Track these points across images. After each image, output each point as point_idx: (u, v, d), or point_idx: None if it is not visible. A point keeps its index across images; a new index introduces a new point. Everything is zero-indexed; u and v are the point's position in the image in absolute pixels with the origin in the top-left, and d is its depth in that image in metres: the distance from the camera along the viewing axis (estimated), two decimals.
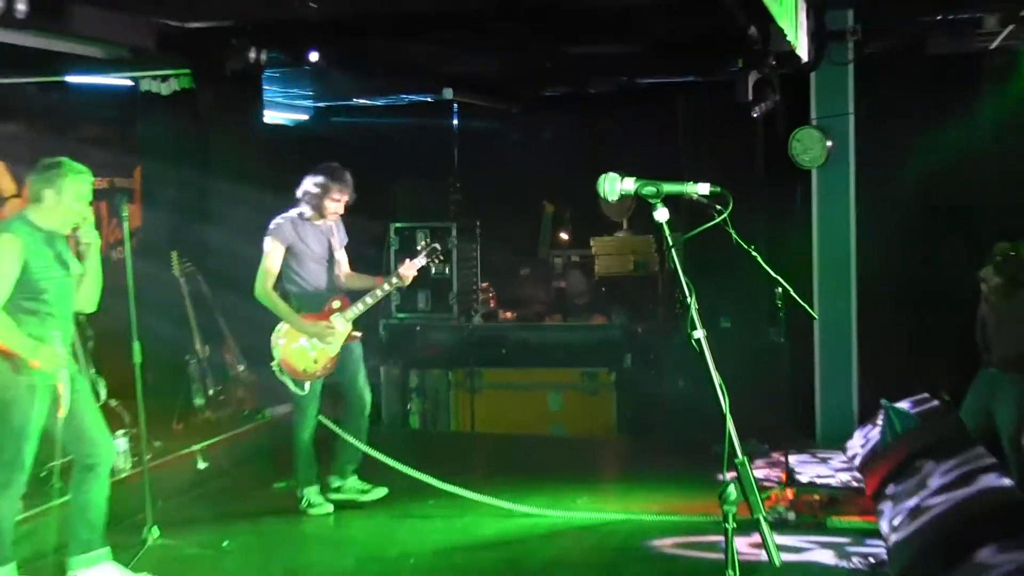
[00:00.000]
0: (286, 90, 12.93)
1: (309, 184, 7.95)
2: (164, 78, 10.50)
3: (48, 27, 8.25)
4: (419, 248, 8.18)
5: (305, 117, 14.27)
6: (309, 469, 8.17)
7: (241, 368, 10.14)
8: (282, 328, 7.83)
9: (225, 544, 7.34)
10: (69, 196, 6.23)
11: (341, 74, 11.48)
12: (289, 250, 7.88)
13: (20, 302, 6.06)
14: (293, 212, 7.95)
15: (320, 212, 7.94)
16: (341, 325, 7.93)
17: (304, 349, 7.85)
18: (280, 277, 7.87)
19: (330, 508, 8.12)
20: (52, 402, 6.18)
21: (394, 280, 8.01)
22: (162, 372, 9.42)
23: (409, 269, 7.97)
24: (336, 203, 7.98)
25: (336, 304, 7.96)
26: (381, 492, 8.32)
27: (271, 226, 7.92)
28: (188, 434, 9.32)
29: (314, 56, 10.42)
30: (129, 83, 10.70)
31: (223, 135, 10.75)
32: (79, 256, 6.46)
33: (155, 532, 7.13)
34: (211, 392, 9.82)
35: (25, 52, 8.91)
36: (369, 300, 8.00)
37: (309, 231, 7.96)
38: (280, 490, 8.79)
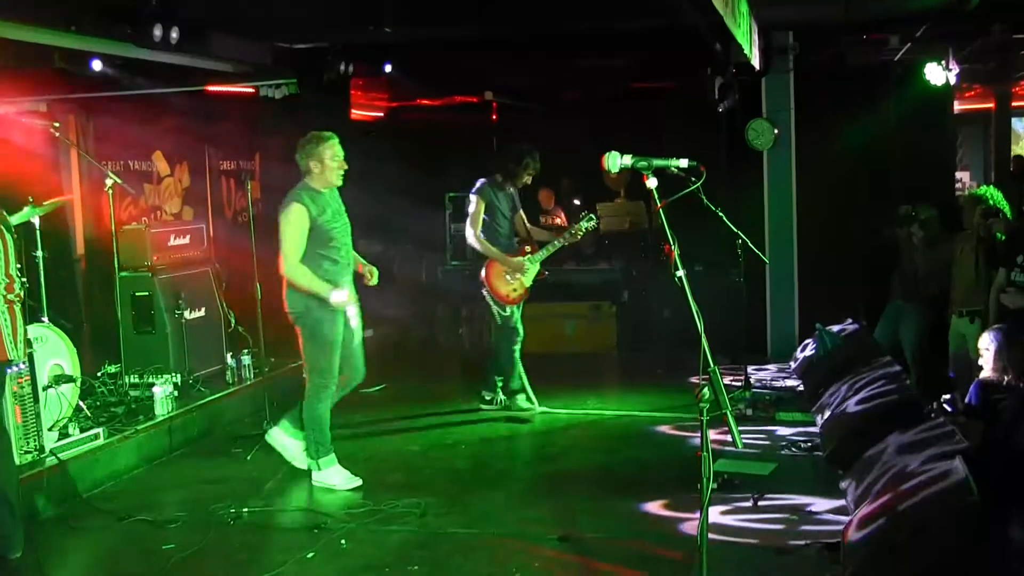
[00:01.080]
0: (368, 93, 12.86)
1: (513, 159, 7.71)
2: (277, 86, 10.43)
3: (193, 50, 8.21)
4: (582, 217, 7.72)
5: (381, 114, 14.18)
6: (518, 378, 8.00)
7: None
8: (491, 264, 7.71)
9: None
10: (327, 158, 6.04)
11: (409, 81, 11.39)
12: (487, 207, 7.73)
13: (317, 251, 5.96)
14: (489, 179, 7.80)
15: (515, 181, 7.77)
16: (531, 265, 7.79)
17: (507, 280, 7.73)
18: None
19: (538, 408, 7.97)
20: (345, 324, 6.11)
21: (567, 236, 7.76)
22: (275, 306, 9.40)
23: (577, 233, 7.67)
24: (530, 176, 7.80)
25: (527, 248, 7.84)
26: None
27: (474, 189, 7.78)
28: (294, 353, 9.29)
29: (388, 68, 10.36)
30: (251, 90, 10.64)
31: (321, 128, 10.67)
32: None
33: (272, 426, 7.14)
34: None
35: (176, 68, 8.89)
36: (550, 248, 7.82)
37: (501, 193, 7.77)
38: (364, 394, 8.78)
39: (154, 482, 6.45)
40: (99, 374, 7.52)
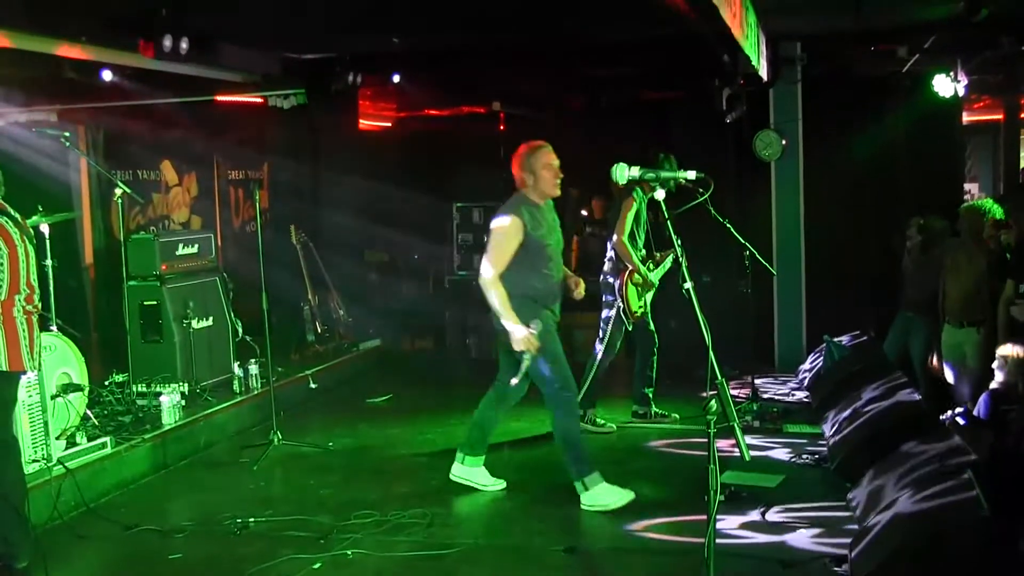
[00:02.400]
0: (376, 103, 12.89)
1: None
2: (286, 96, 10.47)
3: (203, 60, 8.24)
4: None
5: (389, 124, 14.21)
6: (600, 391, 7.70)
7: (341, 312, 10.15)
8: (628, 275, 7.35)
9: (330, 445, 7.36)
10: (540, 167, 5.81)
11: (416, 91, 11.42)
12: (636, 214, 7.39)
13: (529, 267, 5.75)
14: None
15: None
16: (655, 281, 7.56)
17: (637, 295, 7.48)
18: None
19: (613, 427, 7.66)
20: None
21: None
22: (283, 316, 9.45)
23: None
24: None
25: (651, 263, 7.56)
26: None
27: (628, 190, 7.31)
28: (302, 362, 9.36)
29: (396, 78, 10.39)
30: (260, 100, 10.68)
31: (328, 138, 10.75)
32: None
33: (279, 435, 7.16)
34: (319, 331, 9.84)
35: (185, 79, 8.93)
36: (665, 265, 7.59)
37: (646, 201, 7.42)
38: (371, 404, 8.80)
39: (161, 491, 6.46)
40: (107, 383, 7.53)
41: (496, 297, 5.69)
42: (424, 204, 11.77)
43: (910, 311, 7.89)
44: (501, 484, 6.22)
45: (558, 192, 5.93)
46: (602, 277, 7.69)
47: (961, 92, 9.92)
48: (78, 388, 6.39)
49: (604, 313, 7.65)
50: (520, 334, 5.64)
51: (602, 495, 5.77)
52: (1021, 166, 14.21)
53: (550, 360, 5.80)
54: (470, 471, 6.24)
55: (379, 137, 13.55)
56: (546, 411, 7.29)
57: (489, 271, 5.72)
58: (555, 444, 6.03)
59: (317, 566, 5.03)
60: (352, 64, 9.72)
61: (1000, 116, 14.50)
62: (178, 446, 7.02)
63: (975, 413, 5.52)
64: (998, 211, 6.86)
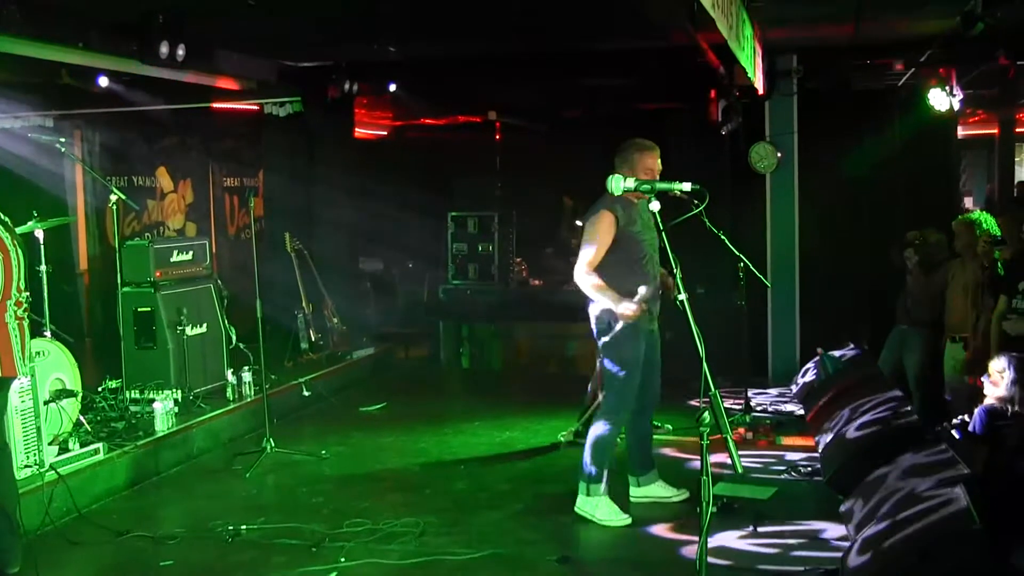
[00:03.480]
0: (372, 112, 12.92)
1: None
2: (282, 104, 10.50)
3: (199, 67, 8.26)
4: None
5: (385, 133, 14.24)
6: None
7: (335, 321, 10.14)
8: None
9: (323, 453, 7.35)
10: (640, 168, 5.63)
11: (413, 100, 11.44)
12: None
13: (623, 264, 5.58)
14: None
15: None
16: None
17: None
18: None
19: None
20: (650, 346, 5.76)
21: None
22: (277, 323, 9.45)
23: None
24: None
25: None
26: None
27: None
28: (296, 370, 9.34)
29: (392, 87, 10.41)
30: (255, 107, 10.70)
31: (324, 146, 10.75)
32: None
33: (272, 443, 7.16)
34: (313, 339, 9.83)
35: (182, 85, 8.95)
36: None
37: None
38: (365, 413, 8.80)
39: (153, 498, 6.45)
40: (100, 389, 7.53)
41: (592, 285, 5.53)
42: (419, 213, 11.81)
43: (904, 324, 7.91)
44: (684, 494, 6.06)
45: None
46: None
47: (956, 106, 9.96)
48: (71, 394, 6.39)
49: None
50: (627, 309, 5.41)
51: (598, 506, 5.72)
52: (1016, 180, 14.28)
53: (618, 365, 5.67)
54: (647, 490, 6.11)
55: (375, 145, 13.60)
56: (546, 419, 7.33)
57: (581, 267, 5.58)
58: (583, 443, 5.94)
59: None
60: (348, 72, 9.75)
61: (995, 130, 14.59)
62: (171, 453, 7.02)
63: (970, 428, 5.53)
64: (992, 224, 6.88)
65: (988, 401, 5.52)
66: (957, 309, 7.00)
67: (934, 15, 7.99)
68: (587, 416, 7.50)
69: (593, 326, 5.77)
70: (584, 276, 5.59)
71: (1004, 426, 5.34)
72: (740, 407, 8.17)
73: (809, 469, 6.66)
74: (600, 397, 7.35)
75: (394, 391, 9.46)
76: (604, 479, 5.75)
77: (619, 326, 5.55)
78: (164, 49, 7.23)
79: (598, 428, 5.78)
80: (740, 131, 9.87)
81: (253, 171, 11.57)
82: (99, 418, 7.13)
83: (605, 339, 5.68)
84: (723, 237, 7.20)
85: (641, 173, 5.59)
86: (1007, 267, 6.45)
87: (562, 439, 7.56)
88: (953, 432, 5.67)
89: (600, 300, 5.58)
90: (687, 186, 3.90)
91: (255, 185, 11.45)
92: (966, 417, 5.70)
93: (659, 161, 5.76)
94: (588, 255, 5.61)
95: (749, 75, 7.81)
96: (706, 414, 3.38)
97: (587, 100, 12.08)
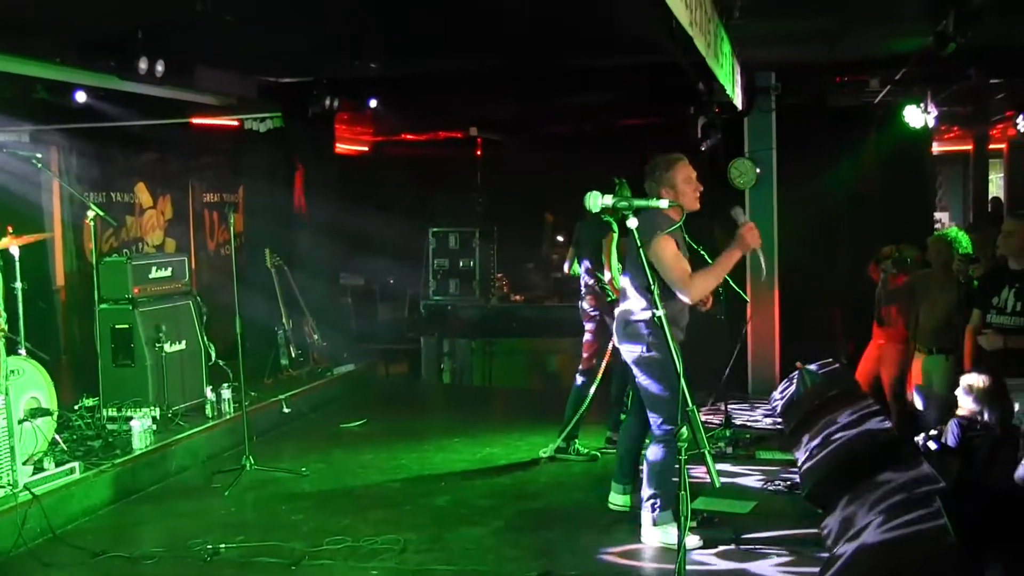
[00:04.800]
0: (352, 128, 12.93)
1: None
2: (262, 119, 10.51)
3: (178, 82, 8.24)
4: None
5: (366, 148, 14.25)
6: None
7: (316, 337, 10.12)
8: None
9: (303, 470, 7.32)
10: (680, 181, 5.48)
11: (393, 116, 11.46)
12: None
13: (666, 286, 5.29)
14: None
15: None
16: None
17: None
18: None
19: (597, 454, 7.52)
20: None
21: None
22: (257, 340, 9.41)
23: None
24: None
25: None
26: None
27: (611, 231, 7.27)
28: (276, 386, 9.31)
29: (373, 103, 10.43)
30: (236, 123, 10.69)
31: (305, 162, 10.75)
32: None
33: (251, 460, 7.12)
34: (293, 355, 9.80)
35: (161, 101, 8.93)
36: None
37: None
38: (345, 429, 8.77)
39: (130, 518, 6.40)
40: (76, 407, 7.47)
41: (705, 280, 5.31)
42: (400, 229, 11.82)
43: (882, 339, 7.96)
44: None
45: (698, 205, 5.56)
46: (580, 304, 7.73)
47: (931, 123, 10.08)
48: (47, 413, 6.33)
49: (586, 337, 7.66)
50: (750, 232, 5.31)
51: (670, 535, 5.42)
52: (990, 196, 14.42)
53: (666, 386, 5.37)
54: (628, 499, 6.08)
55: (356, 161, 13.60)
56: (527, 435, 7.31)
57: (687, 287, 5.29)
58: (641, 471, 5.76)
59: None
60: (329, 88, 9.76)
61: (969, 146, 14.71)
62: (148, 471, 6.97)
63: (944, 440, 5.57)
64: (965, 240, 6.96)
65: (960, 413, 5.57)
66: (927, 322, 7.06)
67: (909, 34, 8.10)
68: (567, 430, 7.52)
69: (628, 348, 5.52)
70: (692, 287, 5.30)
71: (975, 438, 5.38)
72: (720, 421, 8.20)
73: (788, 483, 6.68)
74: (576, 416, 7.43)
75: (375, 407, 9.44)
76: (670, 506, 5.46)
77: (658, 348, 5.29)
78: (143, 65, 7.22)
79: (655, 454, 5.50)
80: (720, 147, 9.93)
81: (233, 187, 11.55)
82: (75, 437, 7.07)
83: (647, 363, 5.43)
84: (703, 252, 7.24)
85: (685, 186, 5.49)
86: (981, 282, 6.51)
87: (543, 455, 7.57)
88: (929, 444, 5.71)
89: (725, 268, 5.32)
90: (664, 203, 3.92)
91: (235, 201, 11.42)
92: (941, 428, 5.74)
93: (691, 168, 5.59)
94: (681, 272, 5.31)
95: (728, 92, 7.88)
96: (684, 429, 3.39)
97: (568, 116, 12.13)
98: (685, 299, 5.35)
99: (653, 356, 5.40)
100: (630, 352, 5.53)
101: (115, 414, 7.45)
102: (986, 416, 5.42)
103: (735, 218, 5.45)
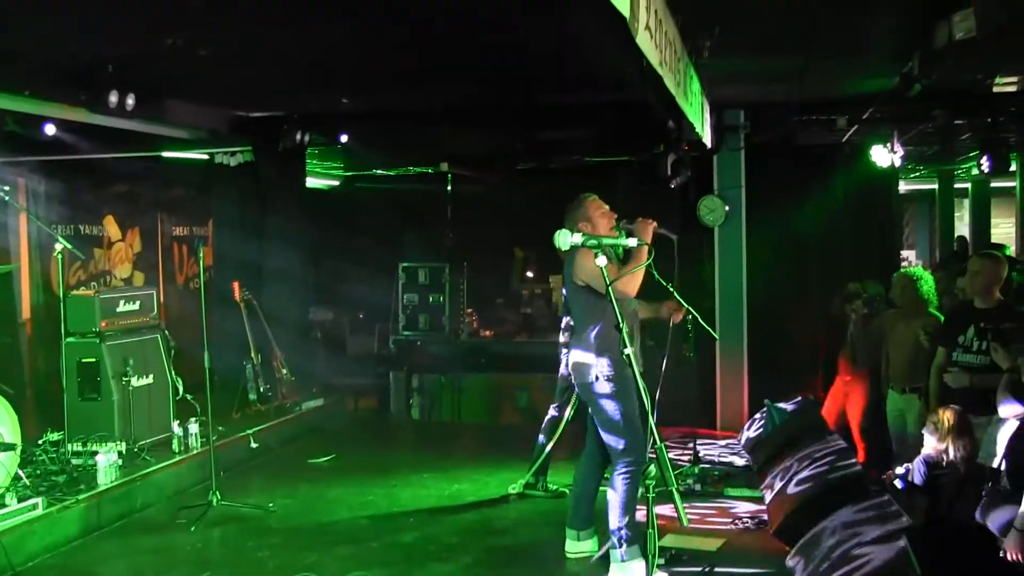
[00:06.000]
0: (323, 163, 12.95)
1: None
2: (233, 153, 10.51)
3: (148, 116, 8.23)
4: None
5: (336, 183, 14.28)
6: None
7: (284, 371, 10.07)
8: None
9: (270, 505, 7.27)
10: (594, 214, 5.65)
11: (364, 151, 11.49)
12: None
13: (603, 318, 5.36)
14: None
15: None
16: None
17: None
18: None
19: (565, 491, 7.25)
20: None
21: None
22: (225, 374, 9.36)
23: None
24: None
25: None
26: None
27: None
28: (244, 421, 9.24)
29: (344, 138, 10.46)
30: (206, 157, 10.69)
31: (275, 196, 10.75)
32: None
33: (218, 495, 7.06)
34: (262, 390, 9.72)
35: (130, 134, 8.93)
36: None
37: None
38: (313, 464, 8.72)
39: (94, 554, 6.32)
40: (41, 441, 7.39)
41: (628, 282, 5.15)
42: (370, 263, 11.80)
43: (847, 375, 8.04)
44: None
45: (615, 234, 5.49)
46: (563, 339, 7.71)
47: (898, 162, 10.24)
48: (10, 447, 6.28)
49: (562, 371, 7.68)
50: (644, 231, 5.26)
51: (636, 570, 5.40)
52: (955, 234, 14.63)
53: (625, 404, 5.43)
54: (585, 545, 6.05)
55: (326, 195, 13.61)
56: (496, 471, 7.30)
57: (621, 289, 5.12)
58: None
59: None
60: (300, 123, 9.79)
61: (935, 185, 14.97)
62: (113, 507, 6.90)
63: (910, 479, 5.63)
64: (928, 280, 7.08)
65: (926, 451, 5.64)
66: (898, 361, 7.15)
67: (876, 74, 8.25)
68: (536, 467, 7.52)
69: (580, 379, 5.57)
70: (626, 286, 5.21)
71: (942, 476, 5.45)
72: (688, 458, 8.22)
73: (756, 520, 6.71)
74: (546, 448, 7.43)
75: (343, 442, 9.39)
76: (637, 540, 5.45)
77: (620, 374, 5.37)
78: (113, 98, 7.23)
79: (619, 484, 5.48)
80: (690, 184, 10.03)
81: (203, 220, 11.51)
82: (39, 472, 7.00)
83: (598, 386, 5.46)
84: (672, 289, 7.30)
85: (601, 219, 5.61)
86: (947, 320, 6.61)
87: (512, 491, 7.56)
88: (896, 482, 5.77)
89: (638, 261, 5.09)
90: (633, 242, 3.97)
91: (204, 234, 11.39)
92: (909, 467, 5.80)
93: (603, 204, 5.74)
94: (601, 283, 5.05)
95: (697, 130, 7.97)
96: (652, 467, 3.42)
97: (539, 152, 12.20)
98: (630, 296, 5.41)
99: (610, 381, 5.42)
100: (586, 381, 5.53)
101: (80, 449, 7.37)
102: (951, 454, 5.49)
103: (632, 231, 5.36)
